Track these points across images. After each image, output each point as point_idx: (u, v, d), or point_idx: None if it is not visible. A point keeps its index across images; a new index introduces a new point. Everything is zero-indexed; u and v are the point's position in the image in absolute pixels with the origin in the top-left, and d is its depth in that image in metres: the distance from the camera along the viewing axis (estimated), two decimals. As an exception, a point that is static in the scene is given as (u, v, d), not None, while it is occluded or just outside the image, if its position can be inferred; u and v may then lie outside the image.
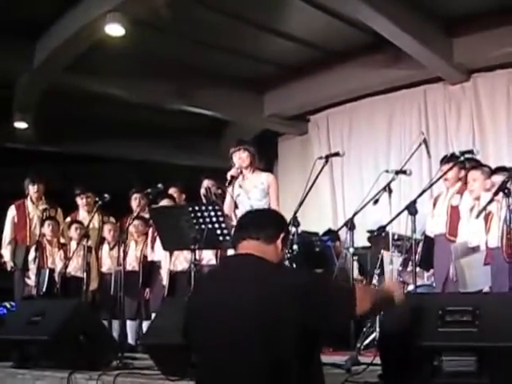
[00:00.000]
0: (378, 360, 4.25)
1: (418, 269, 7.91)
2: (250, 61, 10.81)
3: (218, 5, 8.82)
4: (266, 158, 12.20)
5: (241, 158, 7.00)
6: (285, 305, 3.06)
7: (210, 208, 5.77)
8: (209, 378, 3.26)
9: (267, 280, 3.17)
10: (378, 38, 9.06)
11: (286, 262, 6.29)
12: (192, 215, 5.77)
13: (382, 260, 8.54)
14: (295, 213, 6.23)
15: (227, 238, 5.76)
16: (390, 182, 6.44)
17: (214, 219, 5.75)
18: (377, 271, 8.43)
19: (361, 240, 8.80)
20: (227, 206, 6.92)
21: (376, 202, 6.34)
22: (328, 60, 10.73)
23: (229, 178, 6.89)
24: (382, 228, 6.66)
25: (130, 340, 8.57)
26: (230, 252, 5.58)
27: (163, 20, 8.79)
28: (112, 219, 9.32)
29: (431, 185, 6.33)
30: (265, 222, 3.49)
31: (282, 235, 3.47)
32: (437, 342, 3.86)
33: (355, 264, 9.38)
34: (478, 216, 6.25)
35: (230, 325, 3.13)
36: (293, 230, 6.50)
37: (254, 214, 3.86)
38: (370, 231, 8.20)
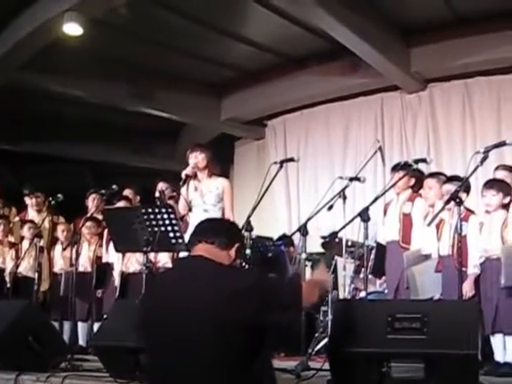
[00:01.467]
0: (327, 365, 4.26)
1: (370, 275, 7.98)
2: (209, 64, 10.80)
3: (179, 7, 8.79)
4: (222, 162, 12.20)
5: (197, 157, 7.00)
6: (234, 304, 3.14)
7: (164, 211, 5.75)
8: (161, 379, 3.30)
9: (217, 281, 3.24)
10: (336, 45, 9.10)
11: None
12: (145, 217, 5.75)
13: (335, 266, 8.58)
14: (248, 217, 6.22)
15: (180, 240, 5.75)
16: (344, 188, 6.47)
17: (167, 222, 5.73)
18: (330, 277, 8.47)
19: (315, 246, 8.86)
20: (181, 208, 6.91)
21: (330, 208, 6.36)
22: (286, 66, 10.77)
23: (183, 176, 6.88)
24: (334, 234, 6.70)
25: (81, 341, 8.51)
26: (183, 255, 5.59)
27: (123, 21, 8.75)
28: (62, 219, 9.23)
29: (384, 192, 6.37)
30: (222, 230, 3.66)
31: (236, 245, 3.61)
32: (385, 349, 3.90)
33: (309, 270, 9.47)
34: (429, 224, 6.31)
35: (180, 325, 3.18)
36: (246, 234, 6.50)
37: (213, 221, 4.11)
38: (324, 237, 8.23)
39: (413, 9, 9.03)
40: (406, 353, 3.84)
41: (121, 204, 7.99)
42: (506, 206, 6.37)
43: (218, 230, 3.64)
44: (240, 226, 6.77)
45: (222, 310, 3.13)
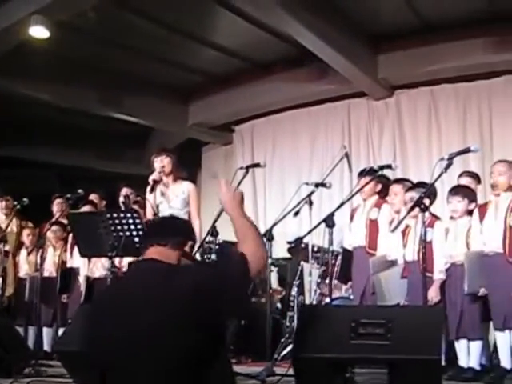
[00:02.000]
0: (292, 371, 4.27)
1: (336, 281, 8.01)
2: (177, 69, 10.77)
3: (147, 12, 8.74)
4: (189, 167, 12.19)
5: (162, 162, 6.98)
6: (187, 304, 3.09)
7: (129, 215, 5.74)
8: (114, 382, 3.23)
9: (167, 281, 3.19)
10: (304, 51, 9.10)
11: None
12: (110, 222, 5.73)
13: (301, 271, 8.59)
14: (214, 222, 6.23)
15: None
16: (310, 194, 6.50)
17: (132, 227, 5.72)
18: (296, 282, 8.49)
19: (282, 251, 8.87)
20: (148, 212, 6.89)
21: (296, 213, 6.38)
22: (254, 71, 10.76)
23: (151, 182, 6.86)
24: (299, 239, 6.72)
25: (46, 347, 8.45)
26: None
27: (90, 24, 8.68)
28: (30, 224, 9.17)
29: (349, 198, 6.38)
30: (174, 229, 3.58)
31: (189, 243, 3.58)
32: (349, 354, 3.91)
33: (276, 275, 9.50)
34: (393, 230, 6.34)
35: (132, 329, 3.11)
36: (211, 239, 6.50)
37: (162, 222, 4.03)
38: (290, 242, 8.24)
39: (381, 16, 9.07)
40: (369, 358, 3.86)
41: (85, 208, 7.96)
42: (471, 213, 6.43)
43: (170, 229, 3.57)
44: (206, 231, 6.82)
45: (175, 312, 3.08)
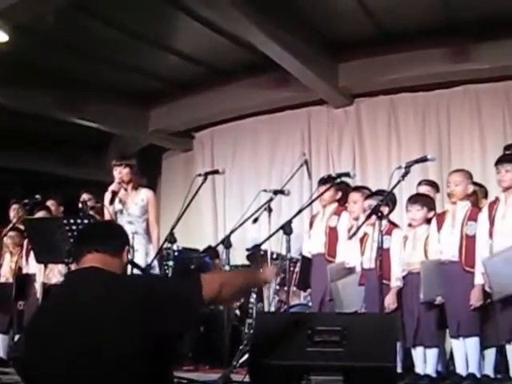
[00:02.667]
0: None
1: (295, 288, 8.03)
2: (138, 75, 10.72)
3: (108, 17, 8.69)
4: (150, 174, 12.16)
5: (121, 172, 6.97)
6: (127, 313, 3.01)
7: (86, 222, 5.70)
8: None
9: (108, 290, 3.10)
10: (264, 58, 9.11)
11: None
12: (67, 228, 5.70)
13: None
14: (172, 229, 6.19)
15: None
16: (269, 201, 6.51)
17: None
18: (254, 290, 8.48)
19: (242, 258, 8.88)
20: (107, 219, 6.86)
21: (255, 220, 6.38)
22: (214, 78, 10.75)
23: (110, 193, 6.84)
24: (257, 247, 6.72)
25: (2, 354, 8.35)
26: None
27: (50, 29, 8.62)
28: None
29: (307, 205, 6.43)
30: (110, 235, 3.48)
31: (126, 248, 3.48)
32: (305, 362, 3.90)
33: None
34: (350, 238, 6.37)
35: (71, 340, 3.00)
36: (169, 246, 6.48)
37: (97, 227, 3.93)
38: (249, 249, 8.25)
39: (341, 25, 9.11)
40: (325, 365, 3.85)
41: (41, 214, 7.89)
42: (429, 221, 6.48)
43: (105, 236, 3.44)
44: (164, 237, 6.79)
45: (115, 322, 2.98)
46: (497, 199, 5.91)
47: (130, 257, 3.60)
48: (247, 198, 10.87)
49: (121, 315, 2.99)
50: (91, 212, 7.29)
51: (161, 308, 3.08)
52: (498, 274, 5.52)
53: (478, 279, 5.76)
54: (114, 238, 3.47)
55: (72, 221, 5.73)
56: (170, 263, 6.45)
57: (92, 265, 3.25)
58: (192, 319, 3.47)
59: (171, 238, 6.28)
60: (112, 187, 6.90)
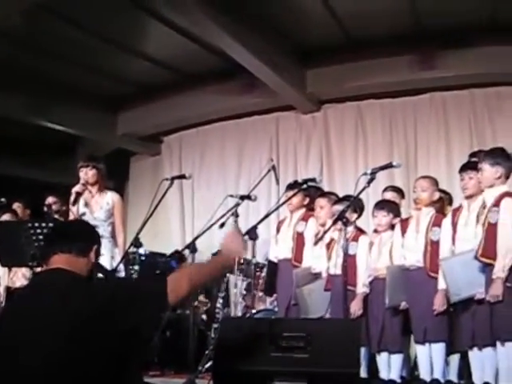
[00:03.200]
0: (213, 383, 4.26)
1: (261, 293, 8.03)
2: (106, 79, 10.67)
3: (77, 20, 8.63)
4: (117, 177, 12.10)
5: (87, 173, 6.93)
6: (93, 316, 2.98)
7: (50, 225, 5.67)
8: None
9: (74, 294, 3.07)
10: (233, 64, 9.12)
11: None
12: (31, 232, 5.66)
13: (227, 283, 8.60)
14: (137, 233, 6.18)
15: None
16: (235, 206, 6.51)
17: (53, 236, 5.64)
18: (221, 294, 8.49)
19: (209, 263, 8.84)
20: None
21: (222, 225, 6.37)
22: (183, 82, 10.73)
23: (74, 194, 6.79)
24: (220, 251, 6.70)
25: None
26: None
27: (17, 30, 8.55)
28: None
29: (273, 211, 6.44)
30: (76, 235, 3.44)
31: (94, 247, 3.44)
32: (269, 367, 3.91)
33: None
34: (315, 243, 6.40)
35: (34, 345, 2.95)
36: (134, 250, 6.46)
37: (65, 227, 3.84)
38: (214, 254, 8.24)
39: (310, 31, 9.13)
40: (289, 371, 3.87)
41: (6, 217, 7.82)
42: (395, 227, 6.53)
43: (72, 235, 3.41)
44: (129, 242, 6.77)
45: (81, 326, 2.95)
46: (460, 206, 5.97)
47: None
48: (215, 202, 10.79)
49: (81, 319, 2.96)
50: (56, 215, 7.24)
51: (122, 306, 3.07)
52: (455, 275, 5.58)
53: (442, 284, 5.81)
54: (81, 237, 3.42)
55: (37, 224, 5.70)
56: (136, 267, 6.42)
57: (58, 266, 3.23)
58: (154, 316, 3.51)
59: (136, 243, 6.26)
60: (76, 188, 6.85)
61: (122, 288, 3.25)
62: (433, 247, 6.02)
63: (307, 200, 7.47)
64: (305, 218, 7.43)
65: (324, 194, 7.46)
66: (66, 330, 2.95)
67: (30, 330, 2.99)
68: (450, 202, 6.98)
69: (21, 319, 3.06)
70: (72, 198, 6.78)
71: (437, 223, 6.08)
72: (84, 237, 3.46)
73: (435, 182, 6.37)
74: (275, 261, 7.56)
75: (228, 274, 8.56)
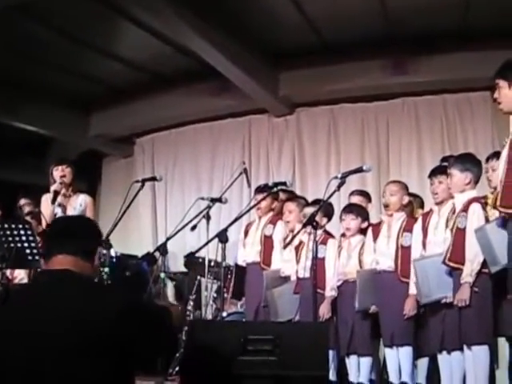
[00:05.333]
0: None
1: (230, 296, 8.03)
2: (78, 79, 10.59)
3: (48, 20, 8.57)
4: (89, 179, 12.06)
5: (63, 171, 6.91)
6: (104, 327, 2.80)
7: (20, 227, 5.65)
8: None
9: (87, 299, 2.88)
10: (206, 66, 9.10)
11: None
12: (1, 233, 5.63)
13: (198, 286, 8.59)
14: (107, 235, 6.15)
15: (36, 257, 5.65)
16: (206, 209, 6.51)
17: (24, 238, 5.64)
18: (192, 297, 8.49)
19: (181, 265, 8.87)
20: (45, 224, 6.77)
21: (193, 228, 6.37)
22: (156, 84, 10.70)
23: (52, 193, 6.77)
24: (192, 254, 6.72)
25: None
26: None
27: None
28: None
29: (242, 214, 6.42)
30: (83, 235, 3.17)
31: (99, 249, 3.23)
32: (237, 370, 3.91)
33: (173, 289, 9.46)
34: (284, 247, 6.42)
35: (35, 352, 2.76)
36: (104, 252, 6.44)
37: (70, 224, 3.40)
38: (186, 256, 8.25)
39: (283, 35, 9.14)
40: (256, 375, 3.86)
41: (-24, 218, 7.78)
42: (363, 231, 6.56)
43: (78, 235, 3.13)
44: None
45: (90, 333, 2.77)
46: (431, 210, 6.01)
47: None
48: (188, 205, 10.80)
49: (96, 331, 2.79)
50: (28, 217, 7.20)
51: (139, 331, 2.93)
52: (426, 276, 5.61)
53: (412, 289, 5.85)
54: (87, 238, 3.18)
55: (6, 226, 5.67)
56: (106, 270, 6.41)
57: (66, 267, 3.00)
58: (167, 347, 3.27)
59: (106, 244, 6.24)
60: (54, 187, 6.83)
61: (138, 309, 3.04)
62: (404, 252, 6.07)
63: (275, 203, 7.48)
64: (273, 222, 7.44)
65: (292, 199, 7.47)
66: (73, 332, 2.78)
67: (34, 333, 2.81)
68: (422, 206, 7.03)
69: (25, 320, 2.86)
70: (50, 196, 6.75)
71: (408, 228, 6.12)
72: (90, 236, 3.23)
73: (405, 186, 6.41)
74: (243, 264, 7.55)
75: (199, 277, 8.55)
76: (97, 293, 2.98)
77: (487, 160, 5.73)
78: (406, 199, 6.34)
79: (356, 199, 7.13)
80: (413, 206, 6.73)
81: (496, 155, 5.55)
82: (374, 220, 6.88)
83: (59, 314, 2.81)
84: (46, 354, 2.74)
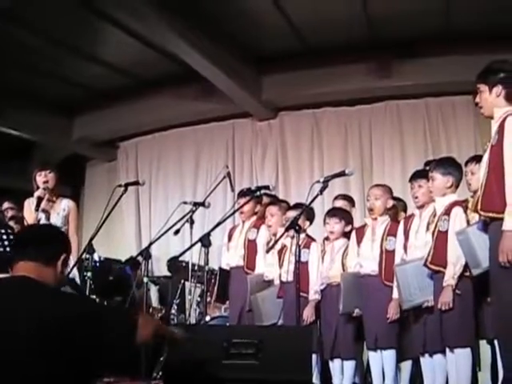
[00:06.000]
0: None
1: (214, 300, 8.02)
2: (61, 83, 10.56)
3: (30, 24, 8.54)
4: (72, 183, 12.02)
5: (46, 176, 6.88)
6: (56, 335, 2.80)
7: (3, 231, 5.64)
8: None
9: (39, 307, 2.87)
10: (189, 70, 9.08)
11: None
12: (-19, 237, 5.62)
13: (182, 290, 8.59)
14: (91, 240, 6.14)
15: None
16: (189, 213, 6.49)
17: (6, 243, 5.61)
18: (176, 301, 8.48)
19: (165, 269, 8.86)
20: None
21: (177, 232, 6.35)
22: (139, 88, 10.68)
23: (36, 199, 6.74)
24: (175, 258, 6.71)
25: None
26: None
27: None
28: None
29: (225, 219, 6.41)
30: (45, 241, 3.22)
31: (63, 256, 3.23)
32: (220, 374, 3.91)
33: (156, 293, 9.46)
34: (268, 251, 6.41)
35: None
36: (87, 256, 6.43)
37: (34, 232, 3.53)
38: (170, 260, 8.26)
39: (266, 38, 9.16)
40: (239, 379, 3.86)
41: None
42: (347, 234, 6.57)
43: (41, 242, 3.19)
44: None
45: (42, 342, 2.77)
46: (412, 214, 6.03)
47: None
48: (172, 209, 10.77)
49: (48, 339, 2.80)
50: (11, 222, 7.17)
51: (92, 339, 2.91)
52: (408, 281, 5.62)
53: (396, 293, 5.86)
54: (49, 245, 3.21)
55: (-14, 230, 5.66)
56: (89, 274, 6.40)
57: (25, 274, 3.03)
58: (123, 354, 3.12)
59: (89, 249, 6.24)
60: (38, 193, 6.80)
61: (93, 315, 3.02)
62: (388, 256, 6.08)
63: (258, 207, 7.48)
64: (256, 225, 7.43)
65: (275, 202, 7.46)
66: (24, 337, 2.79)
67: None
68: (405, 209, 7.04)
69: None
70: (34, 203, 6.72)
71: (392, 232, 6.13)
72: (53, 243, 3.26)
73: (389, 190, 6.42)
74: (227, 268, 7.54)
75: (183, 281, 8.55)
76: (50, 299, 2.97)
77: (466, 164, 5.75)
78: (391, 203, 6.36)
79: (340, 203, 7.12)
80: (397, 209, 6.75)
81: (475, 159, 5.60)
82: (357, 224, 6.89)
83: (7, 319, 2.82)
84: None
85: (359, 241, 6.36)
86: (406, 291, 5.64)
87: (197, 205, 6.66)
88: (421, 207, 5.84)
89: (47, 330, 2.81)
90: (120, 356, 3.08)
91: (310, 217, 6.85)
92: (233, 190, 8.61)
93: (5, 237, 5.62)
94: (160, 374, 6.79)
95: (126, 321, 3.12)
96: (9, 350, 2.78)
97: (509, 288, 4.15)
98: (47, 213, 6.87)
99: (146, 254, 6.04)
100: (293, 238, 5.85)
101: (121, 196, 6.39)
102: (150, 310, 8.42)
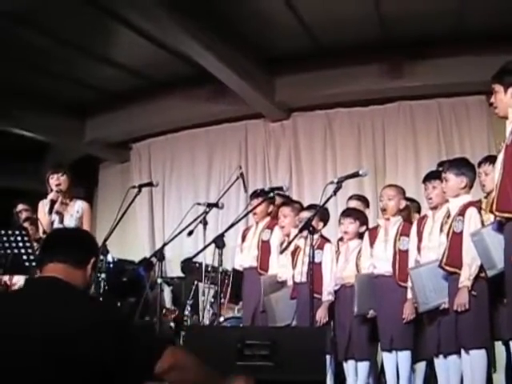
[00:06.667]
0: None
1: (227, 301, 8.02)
2: (74, 85, 10.59)
3: (43, 26, 8.58)
4: (86, 185, 12.03)
5: (58, 179, 6.89)
6: (83, 339, 2.75)
7: (17, 233, 5.65)
8: None
9: (67, 309, 2.85)
10: (202, 71, 9.08)
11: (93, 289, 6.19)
12: (-3, 240, 5.64)
13: (196, 291, 8.58)
14: (104, 241, 6.15)
15: (33, 263, 5.65)
16: (202, 214, 6.49)
17: (21, 244, 5.64)
18: (189, 302, 8.48)
19: (178, 270, 8.86)
20: (42, 231, 6.76)
21: (190, 233, 6.35)
22: (151, 89, 10.69)
23: (49, 202, 6.76)
24: (189, 259, 6.71)
25: None
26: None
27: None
28: None
29: (239, 220, 6.40)
30: (75, 244, 3.22)
31: (92, 259, 3.23)
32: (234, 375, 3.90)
33: (170, 294, 9.46)
34: (281, 252, 6.41)
35: (12, 357, 2.73)
36: (101, 257, 6.43)
37: (64, 234, 3.54)
38: (183, 261, 8.26)
39: (279, 39, 9.15)
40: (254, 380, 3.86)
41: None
42: (361, 235, 6.56)
43: (70, 245, 3.18)
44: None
45: (67, 344, 2.72)
46: (425, 215, 6.02)
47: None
48: (185, 210, 10.77)
49: (73, 342, 2.75)
50: (25, 223, 7.19)
51: (119, 351, 2.83)
52: (423, 284, 5.61)
53: (410, 293, 5.84)
54: (79, 247, 3.21)
55: (3, 232, 5.67)
56: (103, 275, 6.40)
57: (54, 275, 3.01)
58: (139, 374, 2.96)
59: (103, 250, 6.23)
60: (51, 196, 6.82)
61: (120, 318, 3.04)
62: (401, 256, 6.07)
63: (271, 208, 7.48)
64: (270, 226, 7.43)
65: (288, 203, 7.46)
66: (39, 340, 2.75)
67: (7, 336, 2.79)
68: (418, 210, 7.03)
69: (7, 323, 2.83)
70: (47, 205, 6.74)
71: (405, 232, 6.13)
72: (83, 246, 3.26)
73: (402, 191, 6.41)
74: (240, 269, 7.55)
75: (197, 282, 8.55)
76: (78, 301, 2.96)
77: (479, 164, 5.72)
78: (404, 203, 6.35)
79: (354, 204, 7.12)
80: (410, 210, 6.73)
81: (488, 159, 5.58)
82: (371, 224, 6.88)
83: (31, 320, 2.79)
84: (11, 357, 2.73)
85: (372, 242, 6.35)
86: (421, 294, 5.62)
87: (210, 206, 6.67)
88: (434, 208, 5.83)
89: (66, 333, 2.76)
90: (133, 375, 2.94)
91: (325, 218, 6.84)
92: (246, 190, 8.61)
93: (19, 238, 5.64)
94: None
95: (152, 342, 3.04)
96: (23, 353, 2.74)
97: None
98: (61, 215, 6.88)
99: (159, 254, 6.04)
100: (306, 238, 5.86)
101: (135, 197, 6.41)
102: (164, 310, 8.41)
